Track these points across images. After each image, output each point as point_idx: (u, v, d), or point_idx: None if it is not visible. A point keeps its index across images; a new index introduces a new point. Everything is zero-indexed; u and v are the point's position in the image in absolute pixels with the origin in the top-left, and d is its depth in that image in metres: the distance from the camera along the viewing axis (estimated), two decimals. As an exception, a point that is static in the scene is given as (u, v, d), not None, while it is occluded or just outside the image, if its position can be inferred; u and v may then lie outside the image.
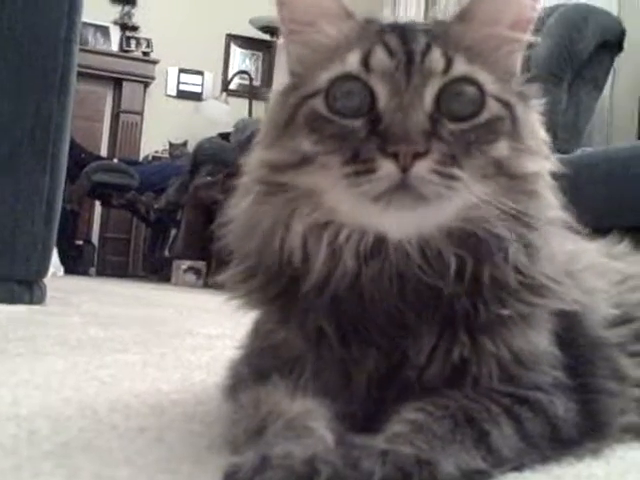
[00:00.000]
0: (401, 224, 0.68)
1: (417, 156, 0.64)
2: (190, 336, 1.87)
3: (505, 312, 0.71)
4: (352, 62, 0.71)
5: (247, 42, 7.99)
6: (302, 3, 0.76)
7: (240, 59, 8.09)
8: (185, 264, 5.78)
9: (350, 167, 0.66)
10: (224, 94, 7.28)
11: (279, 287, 0.75)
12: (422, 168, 0.64)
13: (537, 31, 0.76)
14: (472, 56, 0.72)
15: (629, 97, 3.88)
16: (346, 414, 0.69)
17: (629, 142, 3.30)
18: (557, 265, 0.76)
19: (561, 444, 0.71)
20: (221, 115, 7.02)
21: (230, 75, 7.77)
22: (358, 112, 0.69)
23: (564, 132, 3.36)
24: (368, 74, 0.70)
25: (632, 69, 3.81)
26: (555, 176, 0.77)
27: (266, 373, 0.75)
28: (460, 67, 0.71)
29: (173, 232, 6.68)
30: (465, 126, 0.69)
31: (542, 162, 0.75)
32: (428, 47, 0.71)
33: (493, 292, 0.71)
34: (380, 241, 0.70)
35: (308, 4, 0.75)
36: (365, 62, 0.70)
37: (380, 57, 0.70)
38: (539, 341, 0.74)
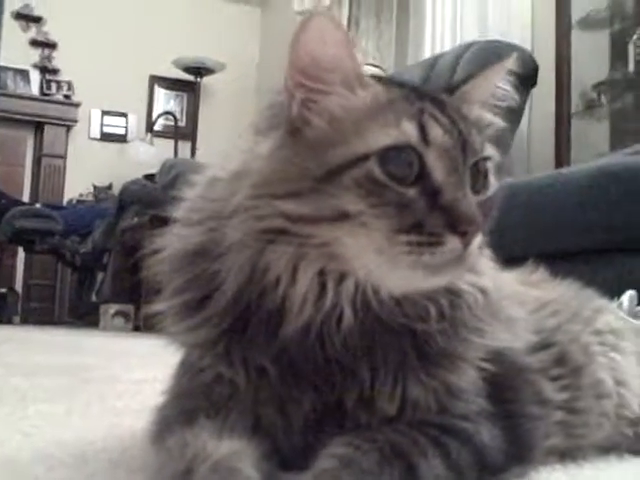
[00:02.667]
0: (432, 284, 0.73)
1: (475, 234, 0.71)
2: (117, 382, 1.83)
3: (463, 352, 0.76)
4: (410, 133, 0.72)
5: (171, 83, 7.97)
6: (324, 62, 0.74)
7: (164, 100, 8.05)
8: (113, 308, 5.67)
9: (412, 236, 0.69)
10: (149, 135, 7.24)
11: (229, 323, 0.74)
12: (475, 244, 0.72)
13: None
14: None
15: (544, 130, 4.01)
16: (279, 450, 0.69)
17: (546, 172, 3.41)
18: (489, 305, 0.80)
19: (488, 471, 0.73)
20: (147, 156, 6.96)
21: (154, 116, 7.73)
22: (408, 180, 0.71)
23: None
24: (426, 147, 0.72)
25: (545, 102, 3.95)
26: None
27: (193, 415, 0.74)
28: (488, 148, 0.79)
29: (100, 276, 6.55)
30: (480, 199, 0.76)
31: None
32: (468, 128, 0.76)
33: (459, 332, 0.76)
34: (376, 292, 0.73)
35: (332, 63, 0.74)
36: (424, 135, 0.72)
37: (438, 133, 0.73)
38: (468, 373, 0.76)
